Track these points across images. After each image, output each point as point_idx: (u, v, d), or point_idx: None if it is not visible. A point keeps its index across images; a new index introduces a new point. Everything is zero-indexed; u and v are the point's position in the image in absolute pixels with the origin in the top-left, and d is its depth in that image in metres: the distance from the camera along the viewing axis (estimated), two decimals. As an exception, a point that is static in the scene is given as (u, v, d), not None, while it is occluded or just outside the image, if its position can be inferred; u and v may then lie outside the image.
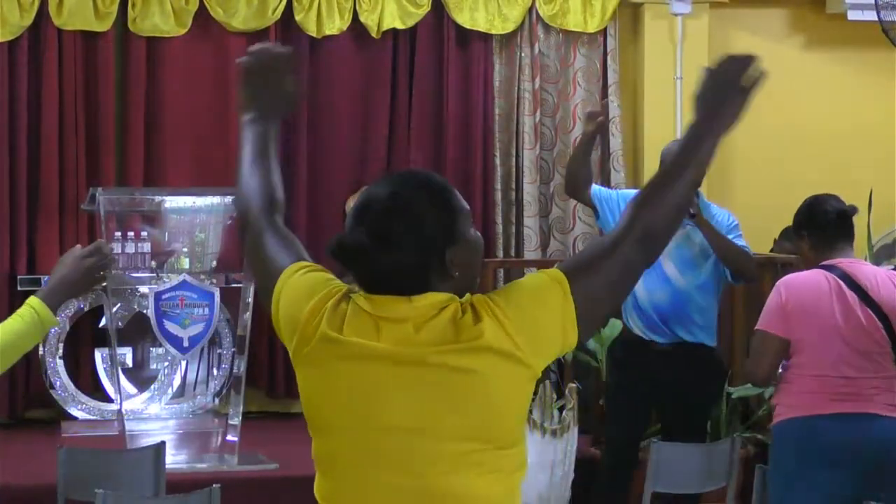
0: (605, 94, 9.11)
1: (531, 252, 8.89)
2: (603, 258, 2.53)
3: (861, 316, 4.61)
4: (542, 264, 8.39)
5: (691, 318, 5.99)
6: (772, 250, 8.71)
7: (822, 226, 4.75)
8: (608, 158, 9.13)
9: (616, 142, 9.07)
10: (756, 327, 4.74)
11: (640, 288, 5.90)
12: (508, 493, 2.53)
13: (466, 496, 2.47)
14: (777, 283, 4.78)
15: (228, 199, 7.61)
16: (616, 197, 6.06)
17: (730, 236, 6.00)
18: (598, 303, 2.52)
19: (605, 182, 9.17)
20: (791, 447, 4.66)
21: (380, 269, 2.52)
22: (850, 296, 4.61)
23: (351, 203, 8.66)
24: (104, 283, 3.45)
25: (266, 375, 8.66)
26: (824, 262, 4.71)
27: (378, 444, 2.48)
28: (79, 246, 3.29)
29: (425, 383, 2.47)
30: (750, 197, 9.39)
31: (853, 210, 4.85)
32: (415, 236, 2.51)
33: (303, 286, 2.62)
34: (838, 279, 4.63)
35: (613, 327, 7.08)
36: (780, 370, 4.74)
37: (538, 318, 2.50)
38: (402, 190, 2.54)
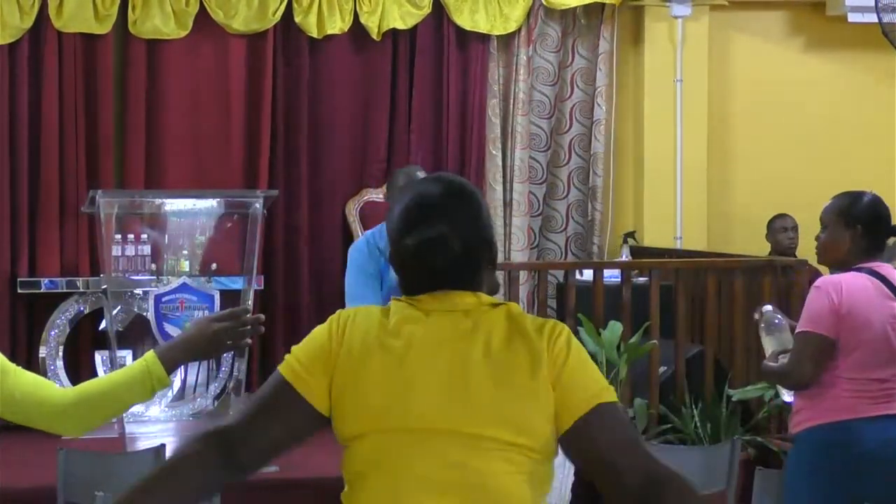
0: (604, 96, 9.11)
1: (519, 252, 8.91)
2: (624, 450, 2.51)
3: None
4: (533, 267, 8.41)
5: None
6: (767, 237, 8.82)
7: (881, 232, 4.73)
8: (608, 161, 9.12)
9: (597, 144, 9.07)
10: (804, 329, 4.62)
11: None
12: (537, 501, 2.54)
13: (504, 492, 2.47)
14: (820, 285, 4.66)
15: (228, 200, 7.62)
16: None
17: None
18: (578, 442, 2.52)
19: (607, 181, 9.17)
20: (828, 451, 4.59)
21: (446, 259, 2.56)
22: (892, 298, 4.61)
23: (351, 205, 8.66)
24: (241, 349, 3.26)
25: (263, 379, 8.66)
26: (857, 265, 4.68)
27: (417, 439, 2.49)
28: (218, 311, 3.15)
29: (465, 373, 2.49)
30: (749, 197, 9.39)
31: None
32: (479, 221, 2.59)
33: (313, 350, 2.60)
34: (880, 282, 4.62)
35: (613, 330, 7.09)
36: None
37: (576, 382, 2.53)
38: (457, 182, 2.64)
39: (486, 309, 2.56)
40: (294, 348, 2.63)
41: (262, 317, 3.08)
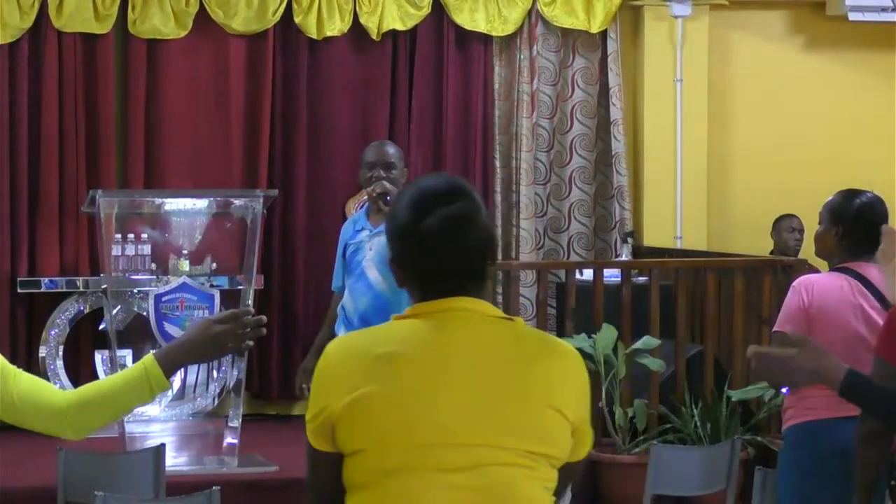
0: (605, 96, 9.11)
1: (527, 254, 8.89)
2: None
3: (879, 320, 4.61)
4: (534, 266, 8.41)
5: None
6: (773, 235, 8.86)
7: (863, 232, 4.72)
8: (609, 161, 9.12)
9: (617, 144, 9.06)
10: (775, 328, 4.69)
11: (347, 298, 5.73)
12: None
13: (524, 496, 2.47)
14: (796, 284, 4.71)
15: (228, 200, 7.63)
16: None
17: None
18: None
19: (607, 183, 9.16)
20: (807, 449, 4.63)
21: (477, 236, 2.48)
22: (869, 299, 4.61)
23: (351, 205, 8.66)
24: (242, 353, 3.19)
25: (259, 378, 8.66)
26: (840, 265, 4.69)
27: (436, 451, 2.45)
28: (218, 312, 3.14)
29: (482, 379, 2.46)
30: (749, 197, 9.39)
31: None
32: (482, 219, 2.49)
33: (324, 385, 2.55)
34: (858, 282, 4.63)
35: (608, 332, 7.09)
36: None
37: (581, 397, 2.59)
38: (459, 181, 2.54)
39: (494, 321, 2.51)
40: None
41: (264, 318, 2.96)
